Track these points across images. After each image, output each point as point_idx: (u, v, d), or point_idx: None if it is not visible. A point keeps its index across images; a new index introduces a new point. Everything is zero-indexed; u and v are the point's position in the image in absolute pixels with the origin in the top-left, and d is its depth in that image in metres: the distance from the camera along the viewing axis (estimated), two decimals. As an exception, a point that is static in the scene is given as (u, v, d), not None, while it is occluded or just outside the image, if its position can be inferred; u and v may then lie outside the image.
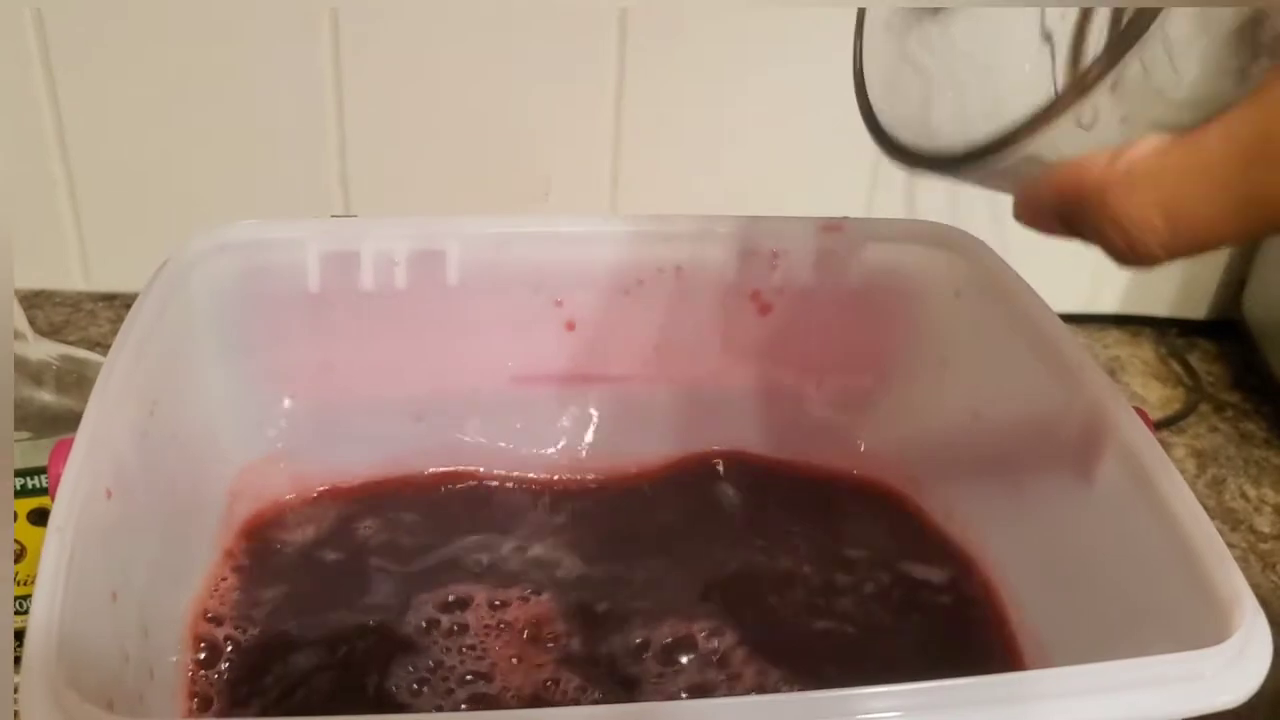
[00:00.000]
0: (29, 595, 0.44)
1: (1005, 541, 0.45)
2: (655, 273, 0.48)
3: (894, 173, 0.70)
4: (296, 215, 0.65)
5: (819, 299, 0.49)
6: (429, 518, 0.48)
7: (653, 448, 0.51)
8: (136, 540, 0.37)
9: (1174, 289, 0.78)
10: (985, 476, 0.47)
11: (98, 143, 0.67)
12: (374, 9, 0.64)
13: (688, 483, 0.51)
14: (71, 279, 0.71)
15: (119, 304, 0.70)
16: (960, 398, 0.48)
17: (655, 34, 0.66)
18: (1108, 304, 0.78)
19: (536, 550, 0.48)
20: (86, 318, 0.70)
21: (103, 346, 0.67)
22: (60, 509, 0.33)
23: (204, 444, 0.45)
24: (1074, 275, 0.77)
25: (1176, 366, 0.75)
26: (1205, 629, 0.32)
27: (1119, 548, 0.38)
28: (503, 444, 0.50)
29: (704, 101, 0.69)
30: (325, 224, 0.46)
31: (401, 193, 0.69)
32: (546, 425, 0.50)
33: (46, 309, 0.70)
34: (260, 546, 0.46)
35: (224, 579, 0.44)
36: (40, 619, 0.30)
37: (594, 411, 0.50)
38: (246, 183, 0.68)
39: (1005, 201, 0.76)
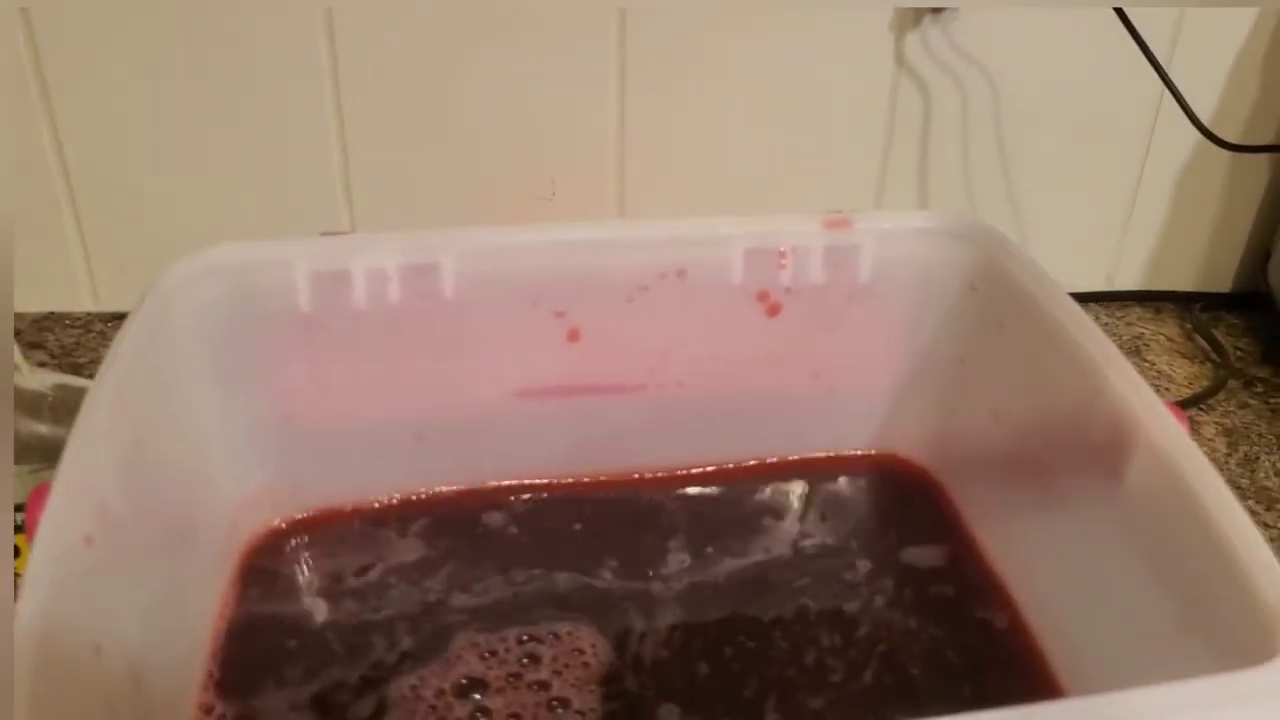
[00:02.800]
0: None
1: (1033, 547, 0.44)
2: (658, 278, 0.46)
3: (905, 162, 0.69)
4: (294, 229, 0.64)
5: (829, 298, 0.47)
6: (435, 539, 0.47)
7: (664, 458, 0.50)
8: (123, 586, 0.36)
9: (1196, 263, 0.77)
10: (1010, 479, 0.45)
11: (99, 162, 0.66)
12: (371, 15, 0.63)
13: (702, 491, 0.50)
14: (80, 301, 0.70)
15: (129, 324, 0.70)
16: (980, 397, 0.46)
17: (656, 30, 0.65)
18: (1128, 280, 0.77)
19: (555, 570, 0.47)
20: (97, 339, 0.69)
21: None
22: (36, 561, 0.32)
23: (196, 477, 0.43)
24: (1093, 253, 0.76)
25: (1202, 342, 0.73)
26: (1249, 644, 0.30)
27: (1152, 554, 0.36)
28: (508, 461, 0.49)
29: (708, 96, 0.67)
30: (314, 242, 0.44)
31: (406, 198, 0.68)
32: (553, 439, 0.49)
33: (57, 331, 0.69)
34: (261, 579, 0.45)
35: (224, 618, 0.43)
36: (16, 677, 0.29)
37: (602, 423, 0.49)
38: (250, 195, 0.67)
39: (1020, 183, 0.75)
